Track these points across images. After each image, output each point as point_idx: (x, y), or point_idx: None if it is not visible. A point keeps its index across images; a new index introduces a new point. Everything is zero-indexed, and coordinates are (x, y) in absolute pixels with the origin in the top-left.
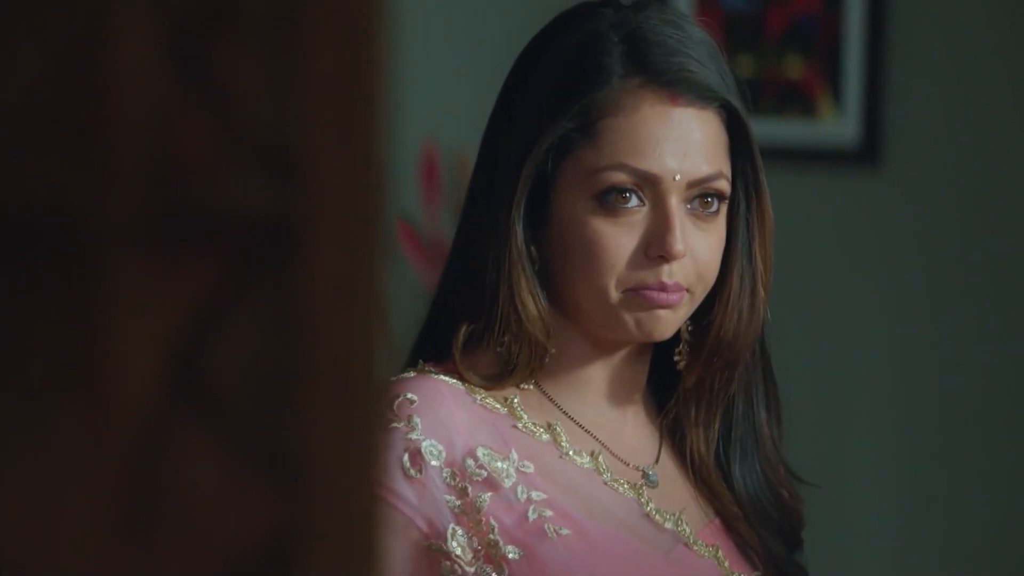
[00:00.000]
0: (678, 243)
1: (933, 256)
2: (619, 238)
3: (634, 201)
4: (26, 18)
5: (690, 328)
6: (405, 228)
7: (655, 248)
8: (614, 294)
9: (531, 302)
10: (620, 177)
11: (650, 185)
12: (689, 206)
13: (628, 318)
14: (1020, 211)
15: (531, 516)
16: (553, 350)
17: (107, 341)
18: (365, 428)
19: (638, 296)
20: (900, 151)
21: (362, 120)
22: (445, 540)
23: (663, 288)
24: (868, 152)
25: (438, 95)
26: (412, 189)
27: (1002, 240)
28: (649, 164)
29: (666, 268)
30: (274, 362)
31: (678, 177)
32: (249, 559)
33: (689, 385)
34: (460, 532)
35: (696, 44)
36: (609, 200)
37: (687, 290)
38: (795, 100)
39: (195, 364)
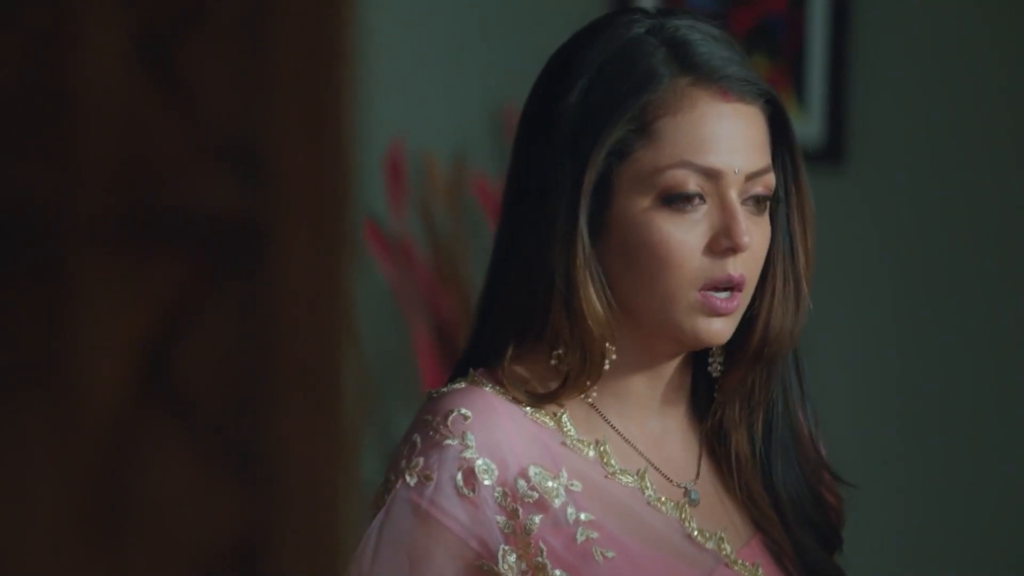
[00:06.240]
0: (745, 235)
1: (897, 255)
2: (685, 236)
3: (696, 199)
4: None
5: None
6: (371, 228)
7: (722, 242)
8: (684, 294)
9: (600, 308)
10: (684, 174)
11: (712, 181)
12: (743, 202)
13: (688, 324)
14: (983, 209)
15: (579, 539)
16: (614, 356)
17: (75, 341)
18: (333, 427)
19: (705, 303)
20: (864, 151)
21: (329, 121)
22: (497, 561)
23: (730, 280)
24: (832, 152)
25: (405, 95)
26: (379, 189)
27: (966, 238)
28: (711, 160)
29: (731, 261)
30: (242, 362)
31: (738, 171)
32: (219, 559)
33: (731, 385)
34: (509, 551)
35: (730, 45)
36: (673, 199)
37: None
38: None
39: (163, 364)
